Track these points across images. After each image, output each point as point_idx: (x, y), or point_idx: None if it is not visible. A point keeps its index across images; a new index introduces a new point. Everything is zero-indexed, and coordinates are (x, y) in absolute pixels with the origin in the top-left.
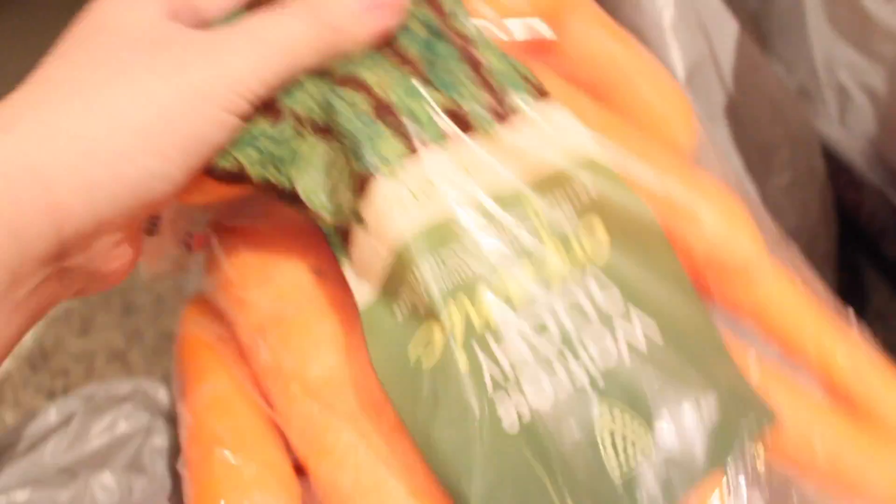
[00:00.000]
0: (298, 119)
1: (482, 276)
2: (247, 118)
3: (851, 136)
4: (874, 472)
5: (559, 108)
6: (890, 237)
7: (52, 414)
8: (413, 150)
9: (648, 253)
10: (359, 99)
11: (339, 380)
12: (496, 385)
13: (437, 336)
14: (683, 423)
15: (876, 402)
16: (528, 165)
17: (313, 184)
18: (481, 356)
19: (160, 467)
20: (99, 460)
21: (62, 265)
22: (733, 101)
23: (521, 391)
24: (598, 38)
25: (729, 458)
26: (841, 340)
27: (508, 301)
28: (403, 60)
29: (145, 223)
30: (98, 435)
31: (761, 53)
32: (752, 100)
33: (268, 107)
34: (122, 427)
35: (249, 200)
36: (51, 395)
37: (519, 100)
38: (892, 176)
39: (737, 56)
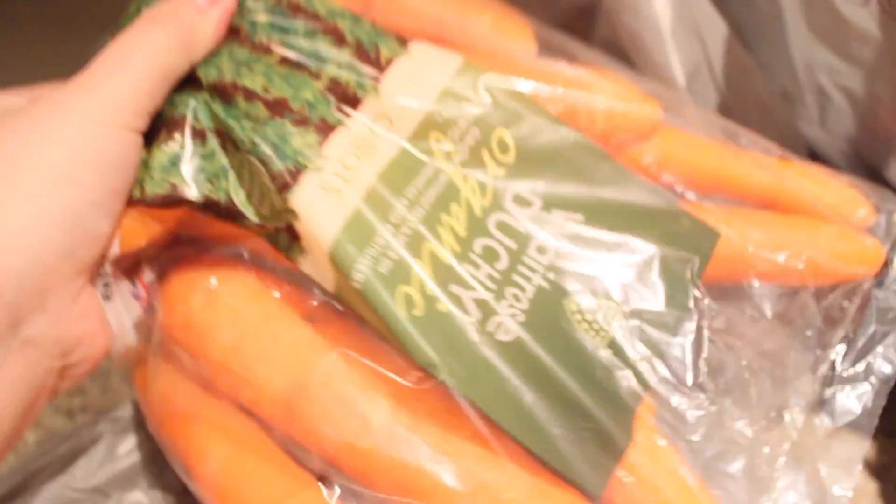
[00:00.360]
0: (218, 135)
1: (424, 231)
2: (144, 131)
3: (831, 136)
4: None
5: (423, 44)
6: None
7: (80, 436)
8: (325, 135)
9: (553, 145)
10: (248, 107)
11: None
12: (481, 310)
13: (414, 291)
14: (642, 282)
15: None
16: (416, 110)
17: (245, 194)
18: (457, 291)
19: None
20: (129, 480)
21: (24, 335)
22: (726, 104)
23: (500, 310)
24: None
25: (689, 302)
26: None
27: (453, 244)
28: (264, 50)
29: (99, 287)
30: (127, 455)
31: (748, 56)
32: (744, 103)
33: (194, 131)
34: (150, 447)
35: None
36: (69, 414)
37: (388, 50)
38: (872, 175)
39: (728, 59)
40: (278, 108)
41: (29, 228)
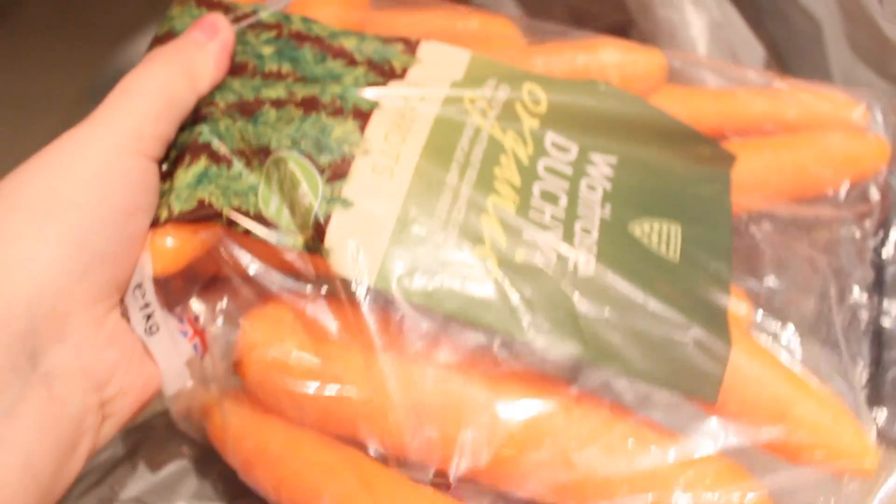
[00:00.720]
0: (243, 155)
1: (482, 189)
2: (155, 156)
3: None
4: None
5: (431, 43)
6: None
7: (117, 446)
8: (363, 120)
9: (580, 92)
10: (280, 113)
11: None
12: (557, 252)
13: (487, 250)
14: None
15: None
16: (445, 81)
17: (276, 206)
18: (530, 237)
19: (228, 493)
20: (170, 489)
21: (45, 367)
22: None
23: (575, 244)
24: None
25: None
26: None
27: (513, 195)
28: (277, 75)
29: (139, 318)
30: (166, 464)
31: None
32: None
33: (217, 156)
34: (188, 456)
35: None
36: None
37: (399, 62)
38: None
39: None
40: (310, 105)
41: (34, 254)
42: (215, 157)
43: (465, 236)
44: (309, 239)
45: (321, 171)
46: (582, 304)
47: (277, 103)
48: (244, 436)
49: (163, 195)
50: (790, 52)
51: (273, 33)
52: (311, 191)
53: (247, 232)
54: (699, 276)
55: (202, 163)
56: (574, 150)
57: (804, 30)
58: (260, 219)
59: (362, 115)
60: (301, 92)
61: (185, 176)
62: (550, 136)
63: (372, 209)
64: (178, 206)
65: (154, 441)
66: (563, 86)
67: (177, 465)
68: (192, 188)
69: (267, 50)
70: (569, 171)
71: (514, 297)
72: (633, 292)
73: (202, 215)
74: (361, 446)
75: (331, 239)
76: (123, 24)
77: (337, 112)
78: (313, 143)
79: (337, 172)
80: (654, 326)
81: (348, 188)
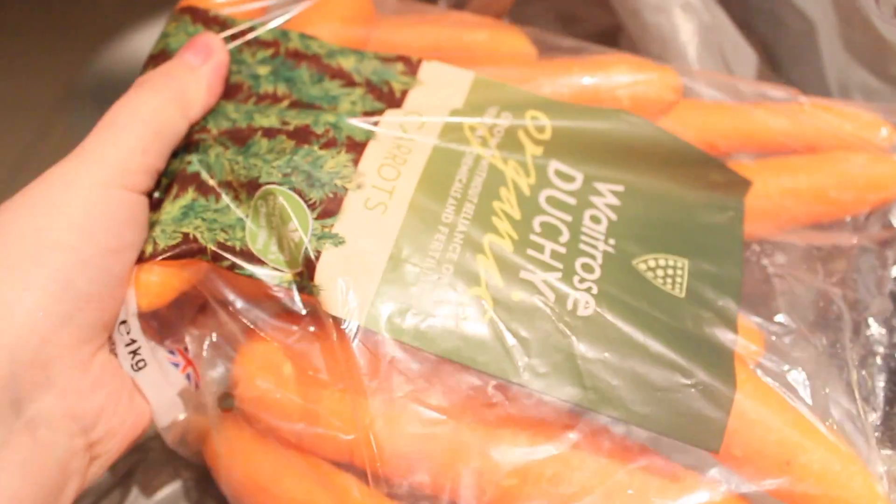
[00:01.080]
0: (231, 188)
1: (479, 225)
2: (144, 190)
3: None
4: None
5: (432, 63)
6: None
7: (114, 468)
8: (357, 152)
9: (586, 118)
10: (272, 143)
11: None
12: (555, 290)
13: (483, 291)
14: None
15: None
16: (444, 110)
17: (264, 241)
18: (528, 276)
19: None
20: None
21: (29, 414)
22: None
23: (575, 284)
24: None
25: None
26: None
27: (510, 231)
28: (272, 98)
29: (125, 355)
30: (161, 488)
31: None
32: None
33: (205, 188)
34: (184, 478)
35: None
36: None
37: (399, 84)
38: None
39: None
40: (303, 135)
41: (18, 300)
42: (203, 189)
43: (459, 276)
44: (297, 276)
45: (312, 206)
46: (581, 345)
47: (269, 132)
48: (234, 466)
49: (151, 226)
50: (783, 54)
51: (270, 52)
52: (301, 227)
53: (233, 266)
54: (705, 314)
55: (189, 195)
56: (579, 179)
57: (797, 31)
58: (246, 254)
59: (356, 147)
60: (294, 120)
61: (172, 209)
62: (554, 165)
63: (364, 246)
64: (163, 242)
65: (149, 464)
66: (568, 111)
67: (173, 488)
68: (178, 222)
69: (262, 70)
70: (572, 201)
71: (510, 338)
72: (635, 333)
73: (187, 250)
74: (359, 472)
75: (321, 276)
76: (102, 27)
77: (330, 143)
78: (304, 177)
79: (328, 209)
80: (656, 370)
81: (340, 224)
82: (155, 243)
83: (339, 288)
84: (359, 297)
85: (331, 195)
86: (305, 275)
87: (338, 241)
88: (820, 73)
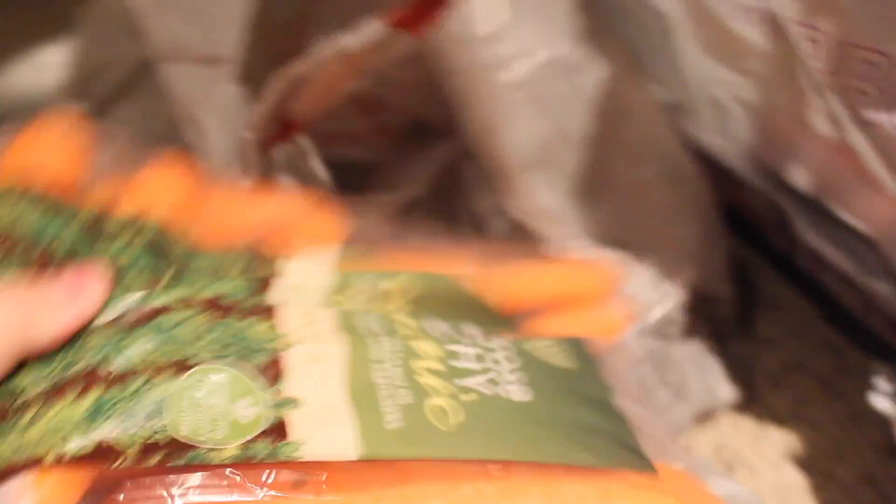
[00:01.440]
0: (141, 371)
1: (407, 350)
2: None
3: (730, 144)
4: None
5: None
6: (777, 231)
7: None
8: (272, 317)
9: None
10: (184, 326)
11: None
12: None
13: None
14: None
15: None
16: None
17: (195, 419)
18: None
19: None
20: None
21: None
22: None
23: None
24: None
25: None
26: None
27: (432, 348)
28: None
29: None
30: None
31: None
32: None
33: (112, 376)
34: None
35: None
36: None
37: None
38: (774, 179)
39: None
40: (214, 308)
41: None
42: (109, 380)
43: (413, 390)
44: (245, 446)
45: (252, 378)
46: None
47: (180, 319)
48: None
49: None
50: (644, 52)
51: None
52: (253, 400)
53: (165, 459)
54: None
55: (92, 393)
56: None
57: (656, 29)
58: (175, 444)
59: (267, 312)
60: (195, 295)
61: (72, 413)
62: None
63: (321, 396)
64: (70, 451)
65: None
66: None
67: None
68: (85, 427)
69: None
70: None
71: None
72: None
73: (101, 458)
74: None
75: (295, 433)
76: None
77: (246, 313)
78: (234, 349)
79: (275, 374)
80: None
81: (289, 386)
82: (60, 453)
83: (318, 437)
84: (342, 435)
85: (267, 360)
86: (276, 438)
87: (294, 402)
88: (678, 68)
